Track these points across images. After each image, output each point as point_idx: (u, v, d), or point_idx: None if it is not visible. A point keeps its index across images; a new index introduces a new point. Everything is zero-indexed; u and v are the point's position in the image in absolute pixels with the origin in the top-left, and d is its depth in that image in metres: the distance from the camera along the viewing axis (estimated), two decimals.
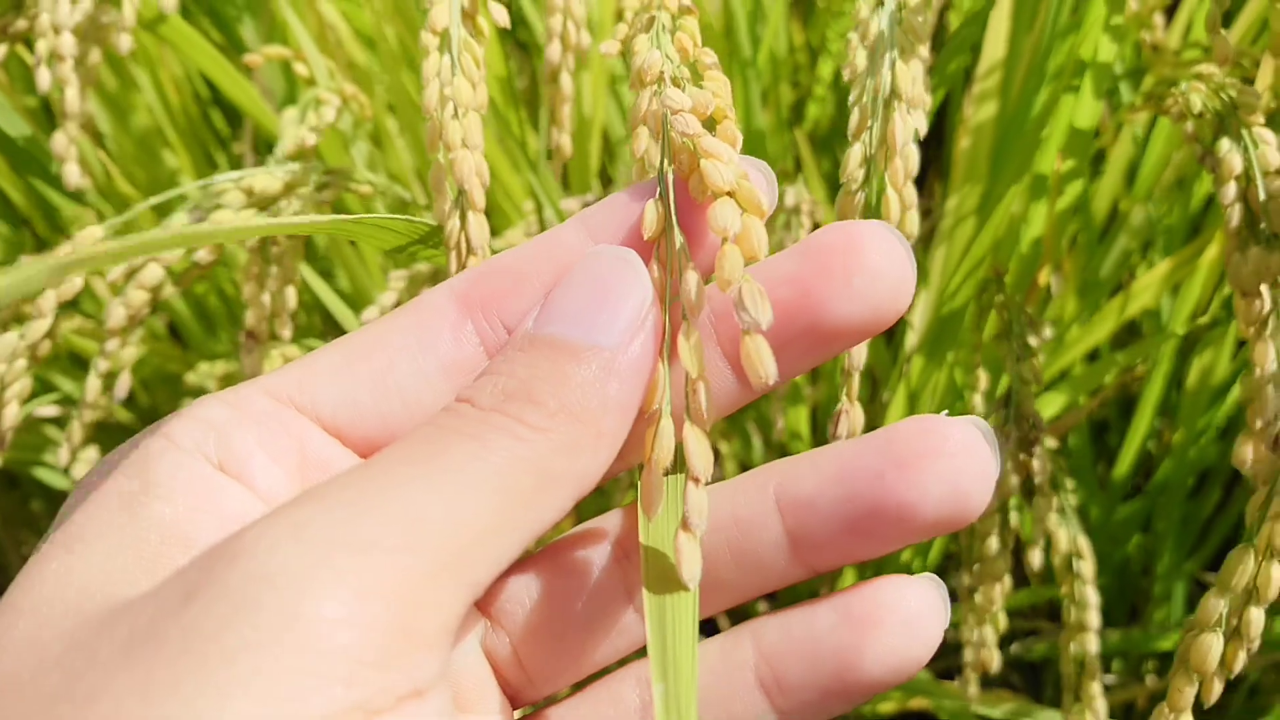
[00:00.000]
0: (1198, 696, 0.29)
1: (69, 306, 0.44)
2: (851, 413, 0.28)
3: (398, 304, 0.45)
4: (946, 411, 0.21)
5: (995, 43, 0.48)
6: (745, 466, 0.60)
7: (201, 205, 0.39)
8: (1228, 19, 0.52)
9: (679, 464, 0.20)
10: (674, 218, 0.20)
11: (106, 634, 0.16)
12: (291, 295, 0.43)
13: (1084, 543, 0.43)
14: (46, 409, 0.57)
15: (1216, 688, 0.28)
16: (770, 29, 0.56)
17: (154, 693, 0.15)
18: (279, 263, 0.42)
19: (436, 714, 0.17)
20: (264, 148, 0.59)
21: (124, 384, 0.43)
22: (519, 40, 0.63)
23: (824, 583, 0.52)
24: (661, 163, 0.21)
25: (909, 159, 0.26)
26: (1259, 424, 0.26)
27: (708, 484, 0.19)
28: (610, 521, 0.22)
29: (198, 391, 0.54)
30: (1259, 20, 0.48)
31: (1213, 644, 0.28)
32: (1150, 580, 0.61)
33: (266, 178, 0.39)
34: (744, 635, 0.22)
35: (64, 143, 0.41)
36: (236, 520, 0.19)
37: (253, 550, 0.16)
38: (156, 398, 0.60)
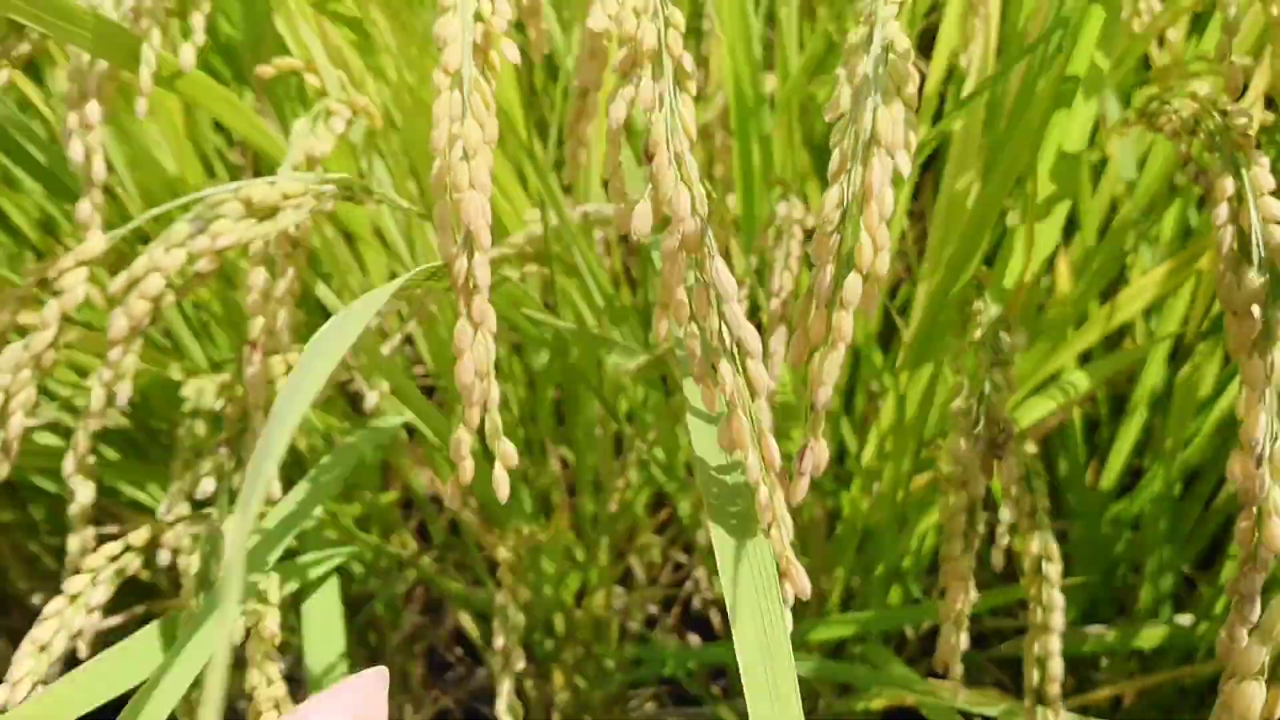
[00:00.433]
0: None
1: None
2: (817, 449, 0.27)
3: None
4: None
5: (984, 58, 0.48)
6: None
7: (201, 216, 0.40)
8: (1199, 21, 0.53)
9: None
10: None
11: None
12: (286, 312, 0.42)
13: (1054, 546, 0.43)
14: (44, 415, 0.57)
15: None
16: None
17: None
18: (283, 273, 0.42)
19: None
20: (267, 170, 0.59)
21: (124, 392, 0.43)
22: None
23: None
24: None
25: (884, 202, 0.25)
26: (1249, 444, 0.27)
27: None
28: None
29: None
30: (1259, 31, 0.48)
31: (1255, 692, 0.27)
32: (1140, 578, 0.62)
33: (265, 189, 0.39)
34: None
35: (89, 210, 0.42)
36: None
37: None
38: (153, 404, 0.60)
